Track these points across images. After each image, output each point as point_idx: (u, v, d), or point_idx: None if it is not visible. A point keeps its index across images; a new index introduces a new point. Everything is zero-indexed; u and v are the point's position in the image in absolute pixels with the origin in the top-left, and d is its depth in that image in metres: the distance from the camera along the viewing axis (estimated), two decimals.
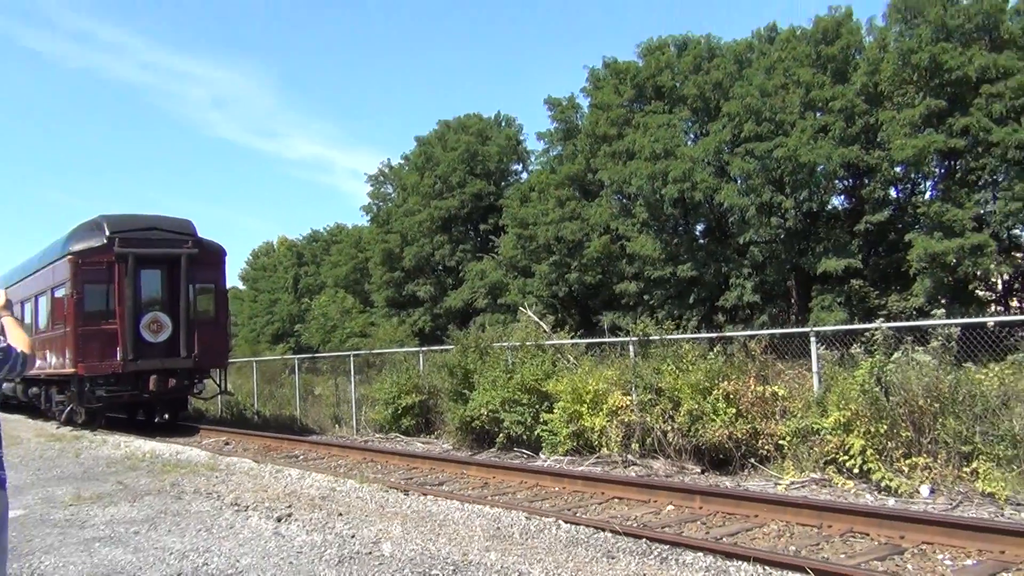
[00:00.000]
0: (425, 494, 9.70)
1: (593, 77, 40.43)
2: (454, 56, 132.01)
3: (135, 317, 18.61)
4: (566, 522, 7.78)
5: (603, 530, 7.49)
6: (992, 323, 12.15)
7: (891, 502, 9.17)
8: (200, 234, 20.26)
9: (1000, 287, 32.25)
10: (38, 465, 12.98)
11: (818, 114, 31.21)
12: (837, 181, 32.00)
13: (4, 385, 23.70)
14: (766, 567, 6.17)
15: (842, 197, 33.91)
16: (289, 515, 8.27)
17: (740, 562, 6.31)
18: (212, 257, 20.30)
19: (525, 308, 20.05)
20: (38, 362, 20.18)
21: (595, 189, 38.74)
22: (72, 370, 18.39)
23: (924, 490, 9.36)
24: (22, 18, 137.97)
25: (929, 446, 9.71)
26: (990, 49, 28.08)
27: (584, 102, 41.34)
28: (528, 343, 15.72)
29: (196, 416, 23.89)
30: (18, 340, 3.95)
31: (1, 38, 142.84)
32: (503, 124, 50.23)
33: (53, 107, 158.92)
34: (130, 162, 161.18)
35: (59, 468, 12.62)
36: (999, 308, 31.11)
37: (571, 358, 15.54)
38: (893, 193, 32.45)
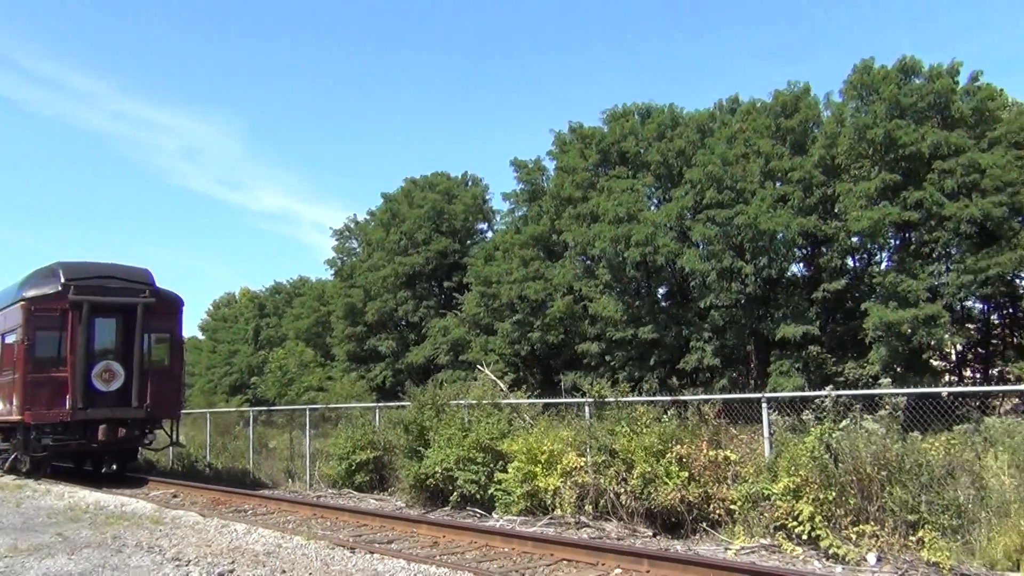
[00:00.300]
0: (372, 552, 9.56)
1: (559, 141, 41.07)
2: (423, 115, 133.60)
3: (87, 365, 18.31)
4: None
5: None
6: (947, 394, 12.35)
7: (838, 570, 9.20)
8: (161, 283, 20.17)
9: (954, 357, 32.84)
10: None
11: (777, 184, 31.90)
12: (796, 249, 32.56)
13: None
14: None
15: (801, 265, 34.51)
16: (231, 571, 8.11)
17: None
18: (169, 307, 20.10)
19: (483, 367, 20.01)
20: None
21: (559, 250, 39.06)
22: (19, 417, 17.98)
23: (871, 558, 9.41)
24: None
25: (876, 514, 9.79)
26: (942, 127, 29.05)
27: (550, 165, 41.95)
28: (484, 402, 15.68)
29: (146, 467, 23.39)
30: None
31: None
32: (469, 183, 50.68)
33: (21, 152, 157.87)
34: (97, 209, 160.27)
35: None
36: (953, 378, 31.64)
37: (527, 418, 15.51)
38: (850, 262, 33.10)
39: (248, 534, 10.64)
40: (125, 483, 19.04)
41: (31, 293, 18.42)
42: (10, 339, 18.93)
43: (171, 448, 22.44)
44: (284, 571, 8.15)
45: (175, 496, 17.26)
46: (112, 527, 11.19)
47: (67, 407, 17.97)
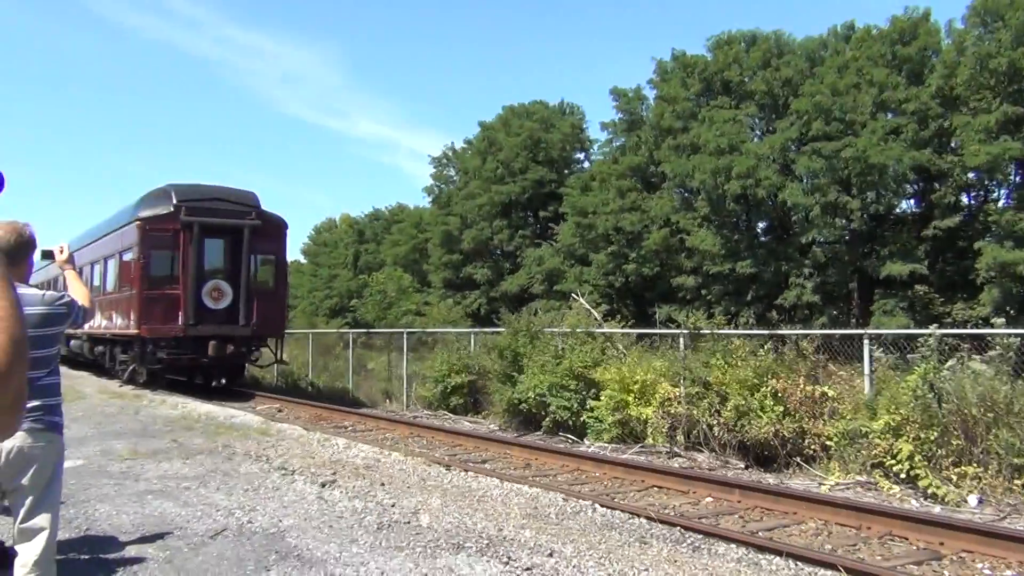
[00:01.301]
0: (467, 470, 9.83)
1: (661, 69, 40.13)
2: (520, 42, 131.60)
3: (197, 284, 19.06)
4: (602, 506, 7.84)
5: (638, 516, 7.54)
6: None
7: (937, 509, 9.02)
8: (263, 207, 20.65)
9: None
10: (99, 420, 13.45)
11: (890, 115, 30.58)
12: (907, 184, 31.32)
13: (72, 342, 24.53)
14: (799, 563, 6.16)
15: (911, 201, 33.23)
16: (333, 481, 8.46)
17: (773, 556, 6.32)
18: (274, 230, 20.67)
19: (577, 295, 20.05)
20: (104, 322, 20.92)
21: (657, 181, 38.52)
22: (136, 331, 18.94)
23: (972, 500, 9.19)
24: None
25: (980, 456, 9.52)
26: None
27: (650, 94, 41.12)
28: (579, 330, 15.76)
29: (252, 383, 24.38)
30: (79, 294, 4.16)
31: (76, 6, 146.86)
32: (567, 112, 50.11)
33: (126, 77, 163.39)
34: (199, 134, 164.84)
35: (119, 424, 13.06)
36: None
37: (620, 347, 15.53)
38: (965, 199, 31.69)
39: (349, 448, 11.06)
40: (233, 397, 19.92)
41: (145, 213, 19.19)
42: (127, 257, 19.85)
43: (276, 366, 23.31)
44: (383, 484, 8.46)
45: (280, 411, 18.01)
46: (222, 436, 11.77)
47: (180, 323, 18.83)
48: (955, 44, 30.47)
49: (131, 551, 5.89)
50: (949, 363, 10.26)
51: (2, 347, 0.97)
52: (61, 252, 4.40)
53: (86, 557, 5.77)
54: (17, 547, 3.65)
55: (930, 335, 10.52)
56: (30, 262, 3.89)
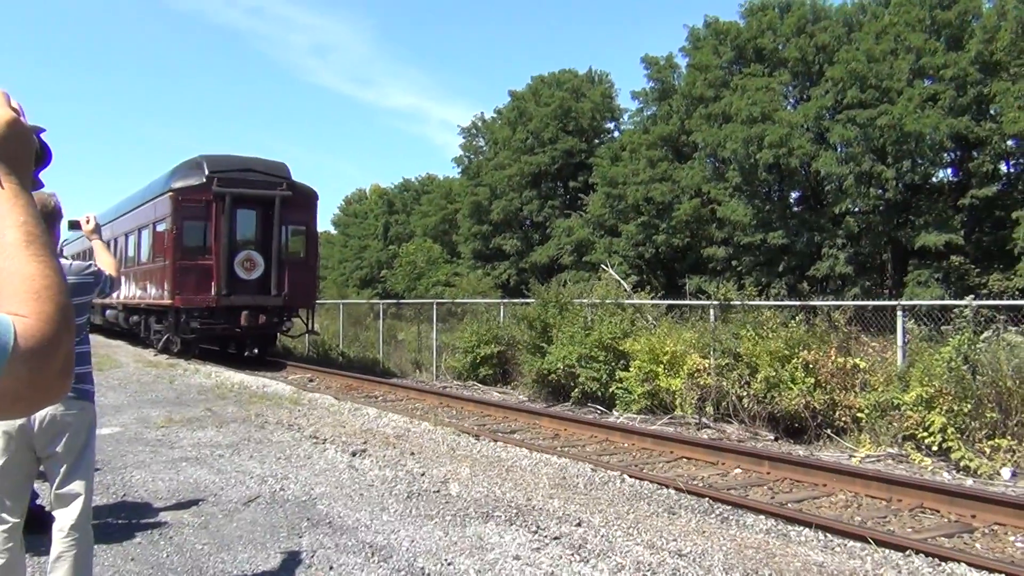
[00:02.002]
0: (496, 440, 9.89)
1: (693, 37, 39.61)
2: (550, 9, 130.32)
3: (230, 254, 19.22)
4: (631, 476, 7.86)
5: (667, 487, 7.55)
6: None
7: (969, 482, 8.95)
8: (294, 177, 20.72)
9: None
10: (135, 388, 13.68)
11: (928, 82, 29.97)
12: (944, 153, 30.76)
13: (107, 312, 24.89)
14: (828, 534, 6.14)
15: (948, 170, 32.61)
16: (364, 451, 8.55)
17: (802, 527, 6.31)
18: (305, 200, 20.74)
19: (607, 266, 19.98)
20: (139, 292, 21.19)
21: (688, 151, 38.15)
22: (169, 301, 19.17)
23: (1005, 473, 9.10)
24: None
25: (1015, 428, 9.43)
26: None
27: (682, 62, 40.63)
28: (608, 301, 15.72)
29: (283, 353, 24.62)
30: (105, 264, 4.19)
31: None
32: (596, 81, 49.63)
33: (159, 48, 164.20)
34: (230, 104, 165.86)
35: (154, 392, 13.28)
36: None
37: (650, 318, 15.48)
38: (1003, 168, 31.05)
39: (379, 418, 11.16)
40: (265, 366, 20.14)
41: (178, 184, 19.34)
42: (160, 228, 20.06)
43: (307, 336, 23.51)
44: (413, 453, 8.54)
45: (311, 380, 18.18)
46: (255, 405, 11.92)
47: (212, 293, 19.02)
48: (996, 8, 29.73)
49: (166, 516, 6.01)
50: (985, 335, 10.13)
51: (49, 316, 0.99)
52: (88, 222, 4.42)
53: (123, 522, 5.89)
54: (54, 512, 3.73)
55: (966, 306, 10.38)
56: (57, 232, 3.91)
